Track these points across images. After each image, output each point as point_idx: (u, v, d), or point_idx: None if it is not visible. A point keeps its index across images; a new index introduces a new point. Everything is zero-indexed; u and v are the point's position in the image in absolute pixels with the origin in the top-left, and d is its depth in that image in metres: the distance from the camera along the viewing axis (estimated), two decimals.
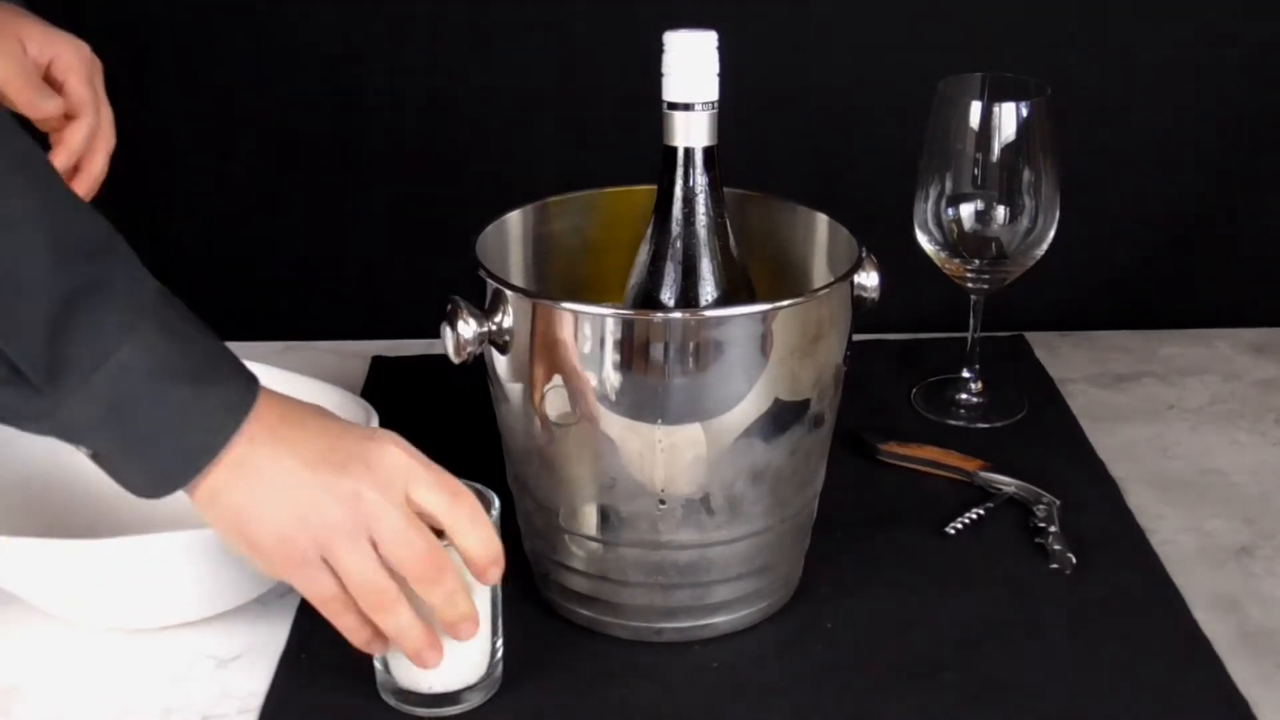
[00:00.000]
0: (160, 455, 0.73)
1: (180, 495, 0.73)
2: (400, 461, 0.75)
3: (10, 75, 0.89)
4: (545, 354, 0.80)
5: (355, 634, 0.77)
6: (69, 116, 0.92)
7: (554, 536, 0.86)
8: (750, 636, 0.87)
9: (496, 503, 0.82)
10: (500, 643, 0.83)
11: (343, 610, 0.76)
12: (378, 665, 0.82)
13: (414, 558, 0.74)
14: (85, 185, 0.93)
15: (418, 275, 1.12)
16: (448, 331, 0.81)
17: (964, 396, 1.14)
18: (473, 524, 0.76)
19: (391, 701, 0.82)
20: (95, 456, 0.74)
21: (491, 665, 0.82)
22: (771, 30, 1.21)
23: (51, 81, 0.91)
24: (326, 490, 0.73)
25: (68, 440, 0.72)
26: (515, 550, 0.91)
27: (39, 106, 0.90)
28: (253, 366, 0.97)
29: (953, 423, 1.12)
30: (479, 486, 0.81)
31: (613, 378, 0.79)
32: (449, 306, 0.81)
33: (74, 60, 0.92)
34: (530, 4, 1.23)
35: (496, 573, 0.77)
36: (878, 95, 1.22)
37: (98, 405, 0.70)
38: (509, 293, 0.81)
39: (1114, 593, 0.91)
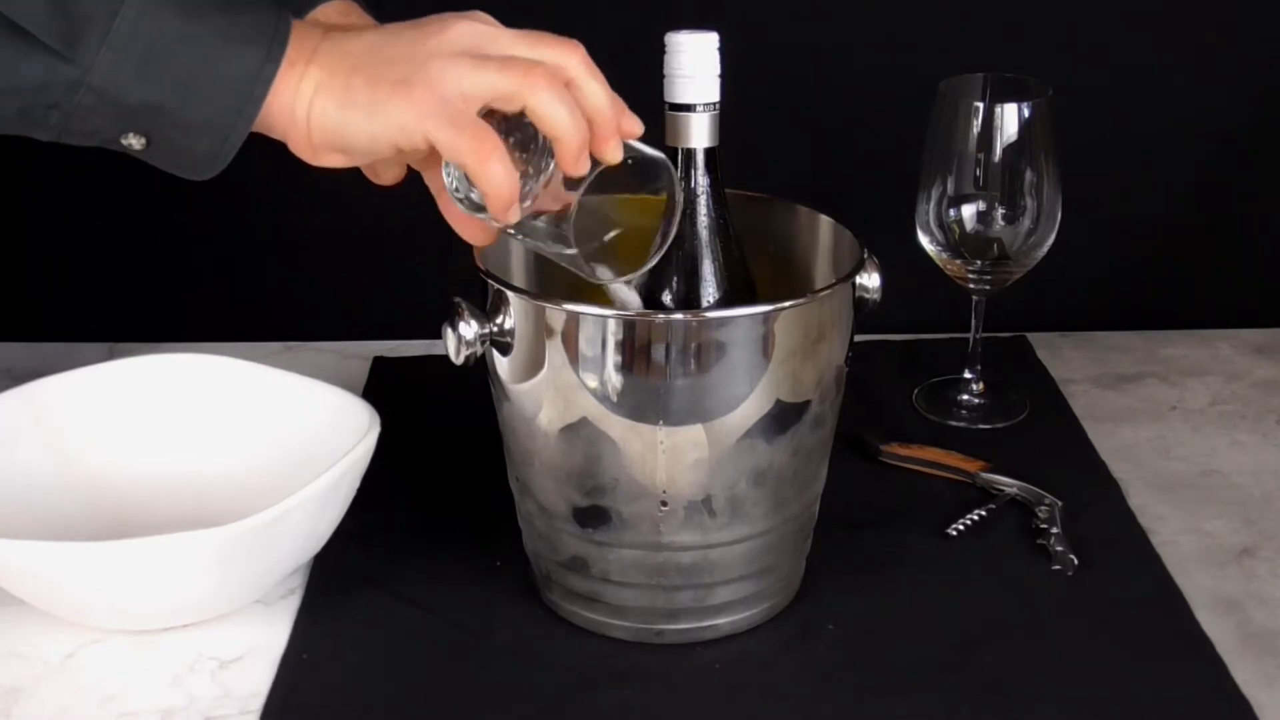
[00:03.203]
0: (214, 99, 0.69)
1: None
2: (488, 27, 0.72)
3: None
4: (547, 355, 0.80)
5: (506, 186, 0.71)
6: None
7: (555, 537, 0.86)
8: (752, 638, 0.87)
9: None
10: None
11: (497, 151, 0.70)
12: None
13: (555, 44, 0.71)
14: None
15: (419, 275, 1.12)
16: (449, 332, 0.81)
17: (965, 397, 1.14)
18: (590, 73, 0.71)
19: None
20: (149, 146, 0.70)
21: None
22: (773, 31, 1.21)
23: None
24: (427, 58, 0.69)
25: (115, 113, 0.69)
26: (517, 551, 0.91)
27: None
28: (253, 367, 0.99)
29: (954, 424, 1.12)
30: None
31: (614, 379, 0.79)
32: (450, 307, 0.81)
33: None
34: (531, 4, 1.23)
35: (630, 122, 0.73)
36: (879, 96, 1.22)
37: (130, 59, 0.67)
38: (511, 294, 0.81)
39: (1115, 594, 0.91)
